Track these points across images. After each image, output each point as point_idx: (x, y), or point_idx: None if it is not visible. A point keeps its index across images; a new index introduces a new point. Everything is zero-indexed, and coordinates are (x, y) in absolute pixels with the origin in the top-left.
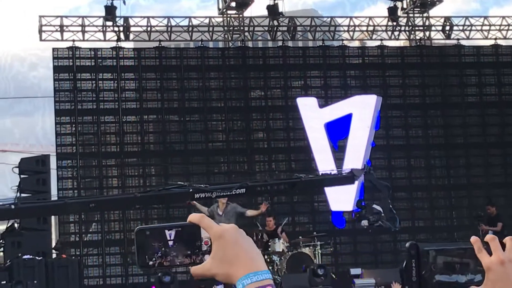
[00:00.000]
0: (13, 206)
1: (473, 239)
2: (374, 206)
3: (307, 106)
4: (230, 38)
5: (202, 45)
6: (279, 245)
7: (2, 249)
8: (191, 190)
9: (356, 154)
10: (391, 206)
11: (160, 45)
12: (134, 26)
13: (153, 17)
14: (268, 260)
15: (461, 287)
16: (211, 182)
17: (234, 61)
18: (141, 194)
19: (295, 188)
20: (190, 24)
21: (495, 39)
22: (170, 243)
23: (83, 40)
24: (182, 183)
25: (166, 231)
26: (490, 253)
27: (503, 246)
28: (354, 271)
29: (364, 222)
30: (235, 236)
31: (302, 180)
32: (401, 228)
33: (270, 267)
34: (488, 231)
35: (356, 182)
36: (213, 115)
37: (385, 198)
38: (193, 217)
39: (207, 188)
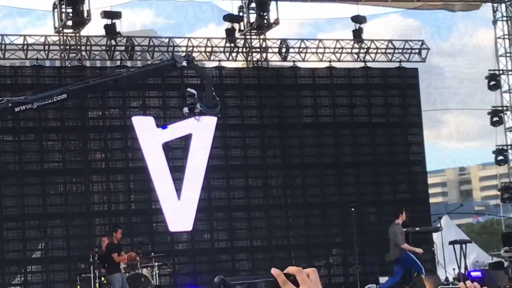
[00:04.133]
0: None
1: (275, 272)
2: (188, 89)
3: (143, 125)
4: (66, 57)
5: (37, 64)
6: None
7: None
8: (10, 105)
9: (196, 173)
10: (214, 93)
11: None
12: None
13: None
14: (105, 282)
15: None
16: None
17: (70, 80)
18: None
19: (120, 83)
20: (25, 42)
21: (330, 61)
22: None
23: None
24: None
25: None
26: (296, 285)
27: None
28: None
29: (185, 110)
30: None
31: (124, 75)
32: (241, 248)
33: None
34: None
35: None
36: (49, 135)
37: (209, 85)
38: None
39: (26, 100)
